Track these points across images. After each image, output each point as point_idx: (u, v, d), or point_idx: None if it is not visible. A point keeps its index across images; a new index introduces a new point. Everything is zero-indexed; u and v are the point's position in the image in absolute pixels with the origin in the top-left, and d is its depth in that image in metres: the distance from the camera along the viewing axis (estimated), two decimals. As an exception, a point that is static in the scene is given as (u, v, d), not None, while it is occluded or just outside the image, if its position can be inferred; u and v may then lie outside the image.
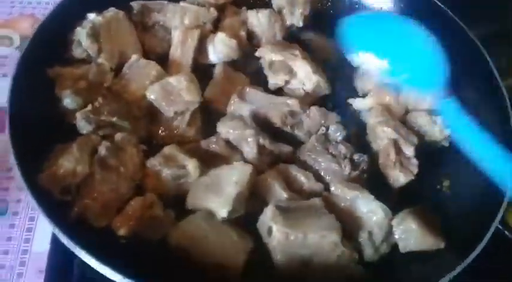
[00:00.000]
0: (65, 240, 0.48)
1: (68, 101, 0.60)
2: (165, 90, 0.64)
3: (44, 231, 0.77)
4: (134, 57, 0.66)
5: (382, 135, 0.67)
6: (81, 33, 0.64)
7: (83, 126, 0.59)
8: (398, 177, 0.64)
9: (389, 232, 0.60)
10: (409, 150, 0.65)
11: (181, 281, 0.48)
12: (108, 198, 0.55)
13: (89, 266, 0.52)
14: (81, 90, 0.61)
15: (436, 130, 0.68)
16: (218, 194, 0.58)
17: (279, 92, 0.73)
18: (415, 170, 0.65)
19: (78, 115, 0.59)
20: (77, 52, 0.66)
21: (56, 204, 0.52)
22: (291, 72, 0.71)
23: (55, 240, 0.64)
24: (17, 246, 0.75)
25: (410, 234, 0.59)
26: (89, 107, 0.59)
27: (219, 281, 0.52)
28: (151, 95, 0.63)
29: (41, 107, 0.60)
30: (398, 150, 0.65)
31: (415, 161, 0.66)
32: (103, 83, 0.64)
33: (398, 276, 0.57)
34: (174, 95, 0.63)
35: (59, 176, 0.54)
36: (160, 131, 0.65)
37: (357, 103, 0.72)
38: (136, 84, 0.65)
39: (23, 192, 0.80)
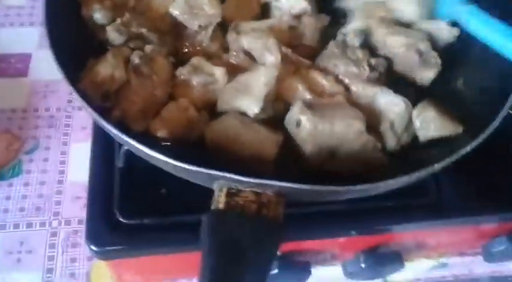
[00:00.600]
0: (113, 130, 0.50)
1: (98, 16, 0.62)
2: (188, 5, 0.66)
3: (76, 163, 0.80)
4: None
5: (395, 44, 0.68)
6: None
7: (115, 37, 0.62)
8: (427, 74, 0.66)
9: (410, 123, 0.62)
10: (424, 47, 0.67)
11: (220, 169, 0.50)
12: (145, 102, 0.58)
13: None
14: (109, 8, 0.63)
15: (443, 29, 0.69)
16: (248, 94, 0.60)
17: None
18: (439, 61, 0.67)
19: (109, 28, 0.61)
20: None
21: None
22: None
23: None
24: (52, 177, 0.78)
25: (430, 122, 0.61)
26: (118, 20, 0.62)
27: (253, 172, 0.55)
28: (174, 11, 0.65)
29: (71, 26, 0.62)
30: (417, 51, 0.67)
31: (434, 54, 0.67)
32: (127, 3, 0.66)
33: (418, 161, 0.59)
34: (197, 9, 0.65)
35: (98, 82, 0.57)
36: (184, 48, 0.67)
37: (349, 30, 0.71)
38: (158, 1, 0.67)
39: (53, 129, 0.82)
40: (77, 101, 0.54)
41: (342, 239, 0.66)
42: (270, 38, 0.66)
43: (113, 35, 0.62)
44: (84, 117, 0.84)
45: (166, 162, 0.49)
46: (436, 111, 0.62)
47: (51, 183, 0.76)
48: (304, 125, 0.58)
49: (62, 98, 0.85)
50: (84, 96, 0.55)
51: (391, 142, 0.62)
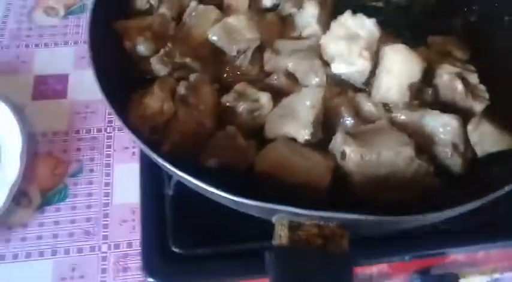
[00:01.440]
0: (164, 163, 0.50)
1: (142, 48, 0.62)
2: (226, 31, 0.65)
3: (120, 185, 0.80)
4: (193, 4, 0.68)
5: (439, 72, 0.66)
6: None
7: (159, 69, 0.62)
8: (475, 107, 0.64)
9: (467, 139, 0.61)
10: (473, 79, 0.66)
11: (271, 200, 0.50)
12: (195, 133, 0.58)
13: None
14: (150, 39, 0.63)
15: None
16: (295, 118, 0.60)
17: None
18: (486, 95, 0.65)
19: (153, 59, 0.61)
20: (139, 4, 0.68)
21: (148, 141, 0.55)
22: (299, 6, 0.72)
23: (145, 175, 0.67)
24: (98, 200, 0.79)
25: (487, 136, 0.60)
26: (162, 51, 0.61)
27: (306, 199, 0.54)
28: (213, 37, 0.65)
29: (114, 57, 0.62)
30: (464, 81, 0.65)
31: (482, 87, 0.66)
32: (167, 32, 0.66)
33: (480, 181, 0.58)
34: (235, 34, 0.65)
35: (148, 116, 0.57)
36: (225, 73, 0.67)
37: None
38: (197, 29, 0.67)
39: (95, 151, 0.83)
40: (128, 135, 0.53)
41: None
42: (315, 59, 0.65)
43: (158, 66, 0.62)
44: (125, 138, 0.84)
45: (224, 197, 0.49)
46: (492, 124, 0.60)
47: (98, 206, 0.77)
48: (349, 157, 0.57)
49: (101, 118, 0.86)
50: (135, 130, 0.55)
51: (456, 163, 0.60)
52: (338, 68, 0.64)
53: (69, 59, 0.92)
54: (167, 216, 0.63)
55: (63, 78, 0.90)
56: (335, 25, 0.66)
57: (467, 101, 0.63)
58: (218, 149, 0.59)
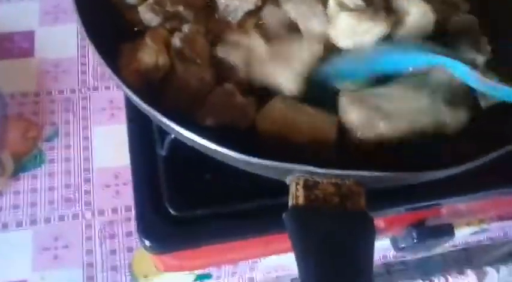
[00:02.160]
0: (162, 119, 0.47)
1: None
2: None
3: (100, 148, 0.76)
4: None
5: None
6: None
7: (150, 18, 0.57)
8: (478, 59, 0.62)
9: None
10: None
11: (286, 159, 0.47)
12: (194, 89, 0.54)
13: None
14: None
15: None
16: (287, 68, 0.57)
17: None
18: (488, 47, 0.63)
19: (141, 8, 0.56)
20: None
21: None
22: None
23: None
24: (77, 165, 0.74)
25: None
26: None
27: (313, 155, 0.52)
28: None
29: (99, 8, 0.57)
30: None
31: (484, 39, 0.64)
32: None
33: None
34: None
35: (143, 71, 0.53)
36: (216, 26, 0.63)
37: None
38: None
39: (70, 113, 0.78)
40: (125, 93, 0.49)
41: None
42: (319, 5, 0.61)
43: (148, 16, 0.57)
44: (101, 98, 0.79)
45: (237, 158, 0.46)
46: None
47: (77, 171, 0.72)
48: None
49: (74, 78, 0.80)
50: (131, 87, 0.50)
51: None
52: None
53: (34, 14, 0.85)
54: (161, 178, 0.59)
55: (29, 35, 0.83)
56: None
57: (471, 53, 0.62)
58: (216, 108, 0.55)
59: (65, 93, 0.79)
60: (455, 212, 0.71)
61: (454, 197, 0.65)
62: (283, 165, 0.45)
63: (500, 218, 0.77)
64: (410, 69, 0.57)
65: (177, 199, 0.59)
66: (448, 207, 0.68)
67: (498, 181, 0.66)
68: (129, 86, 0.50)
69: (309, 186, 0.46)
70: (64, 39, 0.85)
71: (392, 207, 0.63)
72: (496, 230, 0.78)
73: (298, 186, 0.46)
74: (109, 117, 0.78)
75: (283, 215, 0.45)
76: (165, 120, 0.47)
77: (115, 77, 0.50)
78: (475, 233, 0.78)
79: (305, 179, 0.47)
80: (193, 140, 0.47)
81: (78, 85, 0.80)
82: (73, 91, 0.79)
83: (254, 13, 0.63)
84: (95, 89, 0.79)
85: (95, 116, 0.77)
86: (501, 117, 0.59)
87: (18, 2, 0.87)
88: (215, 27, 0.63)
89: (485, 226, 0.77)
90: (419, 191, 0.62)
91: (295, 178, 0.47)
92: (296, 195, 0.46)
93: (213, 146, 0.46)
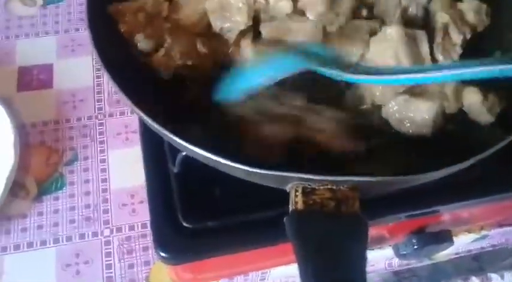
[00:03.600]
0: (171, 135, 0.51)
1: (141, 44, 0.63)
2: (221, 6, 0.66)
3: (116, 170, 0.81)
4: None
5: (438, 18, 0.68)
6: None
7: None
8: (438, 57, 0.67)
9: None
10: (457, 38, 0.68)
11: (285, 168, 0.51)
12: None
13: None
14: (145, 27, 0.64)
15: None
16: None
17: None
18: (455, 57, 0.68)
19: (154, 59, 0.63)
20: None
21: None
22: None
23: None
24: (95, 186, 0.79)
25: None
26: (162, 51, 0.63)
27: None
28: (207, 6, 0.65)
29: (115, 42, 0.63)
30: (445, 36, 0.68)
31: (458, 49, 0.68)
32: (160, 13, 0.66)
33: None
34: (227, 12, 0.66)
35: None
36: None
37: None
38: (190, 6, 0.67)
39: (88, 138, 0.83)
40: (138, 115, 0.54)
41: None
42: None
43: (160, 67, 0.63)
44: (116, 123, 0.84)
45: (237, 168, 0.50)
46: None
47: (96, 192, 0.77)
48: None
49: (91, 106, 0.85)
50: (142, 109, 0.55)
51: None
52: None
53: (52, 48, 0.91)
54: (174, 193, 0.64)
55: (47, 68, 0.89)
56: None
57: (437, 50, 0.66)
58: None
59: (82, 120, 0.84)
60: (455, 219, 0.74)
61: (453, 203, 0.68)
62: (283, 174, 0.50)
63: (501, 225, 0.80)
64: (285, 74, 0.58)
65: (190, 213, 0.63)
66: (447, 214, 0.72)
67: (497, 187, 0.69)
68: (142, 110, 0.55)
69: (307, 193, 0.51)
70: (80, 70, 0.91)
71: (392, 214, 0.67)
72: (497, 236, 0.81)
73: (297, 193, 0.51)
74: (124, 140, 0.83)
75: (284, 219, 0.49)
76: (165, 131, 0.52)
77: (128, 102, 0.55)
78: (477, 240, 0.80)
79: (303, 186, 0.51)
80: (197, 153, 0.51)
81: (95, 112, 0.85)
82: (90, 118, 0.85)
83: (247, 32, 0.68)
84: (111, 115, 0.85)
85: (111, 140, 0.83)
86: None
87: (36, 37, 0.93)
88: (219, 47, 0.68)
89: (486, 233, 0.79)
90: (419, 198, 0.66)
91: (294, 185, 0.51)
92: (295, 201, 0.50)
93: (209, 155, 0.50)
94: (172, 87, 0.63)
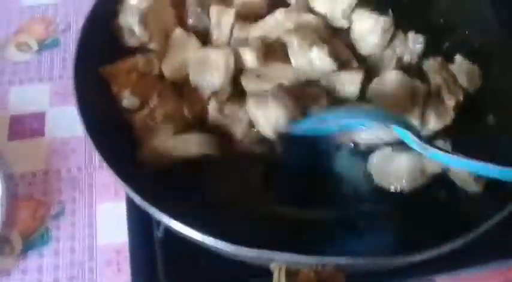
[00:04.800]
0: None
1: (126, 101, 0.62)
2: (200, 62, 0.65)
3: (104, 225, 0.79)
4: (178, 31, 0.68)
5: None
6: (133, 22, 0.64)
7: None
8: (430, 121, 0.66)
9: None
10: (450, 101, 0.67)
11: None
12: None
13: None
14: (136, 86, 0.63)
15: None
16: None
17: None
18: (448, 121, 0.67)
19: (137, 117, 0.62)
20: (131, 41, 0.67)
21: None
22: None
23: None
24: (81, 243, 0.77)
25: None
26: (146, 110, 0.62)
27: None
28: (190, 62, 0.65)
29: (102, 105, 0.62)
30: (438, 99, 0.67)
31: (452, 113, 0.67)
32: (152, 72, 0.66)
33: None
34: (206, 68, 0.65)
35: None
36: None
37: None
38: (173, 57, 0.66)
39: (77, 191, 0.81)
40: (125, 190, 0.53)
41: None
42: None
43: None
44: (106, 175, 0.82)
45: (222, 248, 0.49)
46: None
47: (82, 249, 0.75)
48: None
49: (81, 156, 0.84)
50: (123, 178, 0.54)
51: None
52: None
53: (45, 95, 0.91)
54: (158, 260, 0.62)
55: (39, 117, 0.88)
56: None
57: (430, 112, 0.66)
58: None
59: (72, 171, 0.83)
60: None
61: (447, 272, 0.66)
62: (265, 253, 0.48)
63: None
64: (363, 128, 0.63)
65: (172, 280, 0.61)
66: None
67: (494, 253, 0.67)
68: (121, 178, 0.53)
69: (291, 273, 0.49)
70: (73, 118, 0.88)
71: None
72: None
73: (280, 274, 0.49)
74: (113, 193, 0.81)
75: None
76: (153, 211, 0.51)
77: (110, 170, 0.54)
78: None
79: (287, 266, 0.49)
80: (182, 233, 0.50)
81: (85, 162, 0.84)
82: (80, 169, 0.83)
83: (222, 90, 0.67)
84: (101, 166, 0.83)
85: (99, 192, 0.81)
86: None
87: (30, 83, 0.93)
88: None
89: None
90: (410, 267, 0.64)
91: (278, 265, 0.49)
92: None
93: (194, 234, 0.49)
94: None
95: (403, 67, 0.72)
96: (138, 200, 0.52)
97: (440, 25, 0.78)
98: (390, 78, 0.67)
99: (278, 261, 0.50)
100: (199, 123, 0.65)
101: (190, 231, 0.50)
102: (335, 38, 0.71)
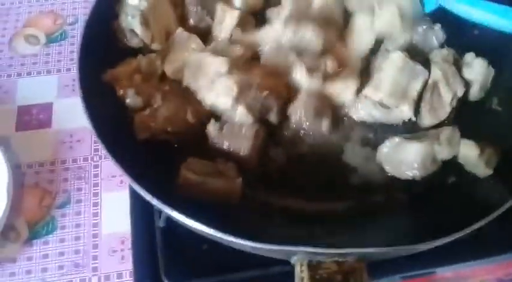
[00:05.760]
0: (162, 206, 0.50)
1: (130, 101, 0.64)
2: (195, 64, 0.66)
3: (108, 214, 0.80)
4: (179, 31, 0.68)
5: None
6: (134, 23, 0.64)
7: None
8: (425, 118, 0.66)
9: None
10: (447, 97, 0.67)
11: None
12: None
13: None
14: (140, 87, 0.64)
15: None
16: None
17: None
18: (443, 117, 0.67)
19: (136, 118, 0.63)
20: (134, 42, 0.67)
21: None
22: None
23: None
24: (86, 231, 0.78)
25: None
26: (148, 111, 0.63)
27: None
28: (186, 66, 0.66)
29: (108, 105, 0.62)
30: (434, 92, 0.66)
31: (447, 109, 0.67)
32: (156, 72, 0.66)
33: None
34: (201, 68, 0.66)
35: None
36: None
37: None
38: (175, 56, 0.67)
39: (82, 180, 0.82)
40: (129, 182, 0.53)
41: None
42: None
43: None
44: (111, 166, 0.83)
45: (241, 243, 0.49)
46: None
47: (86, 237, 0.77)
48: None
49: (87, 147, 0.85)
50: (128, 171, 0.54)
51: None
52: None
53: (53, 87, 0.92)
54: (159, 248, 0.63)
55: (47, 108, 0.89)
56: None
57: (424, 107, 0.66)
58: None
59: (78, 161, 0.84)
60: (452, 277, 0.71)
61: (450, 265, 0.66)
62: (286, 248, 0.48)
63: (500, 280, 0.77)
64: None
65: (173, 271, 0.62)
66: (444, 274, 0.69)
67: (496, 247, 0.67)
68: (126, 171, 0.54)
69: (313, 266, 0.49)
70: (80, 110, 0.90)
71: (387, 276, 0.64)
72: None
73: (302, 267, 0.49)
74: (118, 183, 0.82)
75: None
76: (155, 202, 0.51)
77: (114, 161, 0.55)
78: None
79: (309, 259, 0.49)
80: (194, 227, 0.50)
81: (91, 153, 0.85)
82: (86, 159, 0.84)
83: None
84: (106, 157, 0.84)
85: (105, 182, 0.82)
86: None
87: (38, 75, 0.94)
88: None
89: (484, 288, 0.76)
90: (414, 259, 0.64)
91: (300, 259, 0.49)
92: (301, 277, 0.48)
93: (218, 233, 0.49)
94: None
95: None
96: (137, 188, 0.52)
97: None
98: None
99: (300, 255, 0.50)
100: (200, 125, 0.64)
101: (208, 229, 0.50)
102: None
